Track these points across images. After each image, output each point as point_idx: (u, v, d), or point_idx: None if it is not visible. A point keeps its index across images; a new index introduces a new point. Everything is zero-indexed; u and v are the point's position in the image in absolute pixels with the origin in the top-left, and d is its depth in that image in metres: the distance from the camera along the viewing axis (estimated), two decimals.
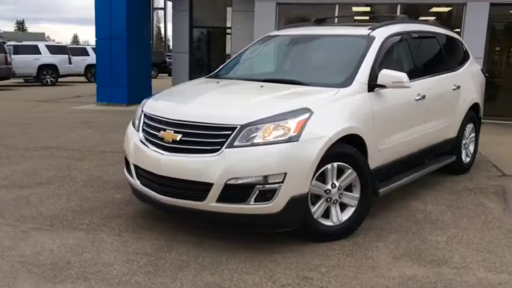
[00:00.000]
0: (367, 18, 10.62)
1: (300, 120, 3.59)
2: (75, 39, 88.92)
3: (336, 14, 11.18)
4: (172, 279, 3.20)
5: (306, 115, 3.63)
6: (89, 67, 24.75)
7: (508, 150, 7.66)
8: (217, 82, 4.73)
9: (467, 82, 5.92)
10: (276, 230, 3.72)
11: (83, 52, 25.16)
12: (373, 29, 4.72)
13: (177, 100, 4.38)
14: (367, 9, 12.00)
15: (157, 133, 3.88)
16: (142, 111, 4.25)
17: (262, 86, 4.28)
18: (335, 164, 3.77)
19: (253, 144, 3.50)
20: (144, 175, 3.97)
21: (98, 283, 3.15)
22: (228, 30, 14.27)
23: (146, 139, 4.01)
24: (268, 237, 3.85)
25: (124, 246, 3.72)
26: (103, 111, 11.84)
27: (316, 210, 3.77)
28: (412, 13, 11.01)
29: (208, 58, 15.25)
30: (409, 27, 5.23)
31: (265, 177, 3.46)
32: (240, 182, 3.47)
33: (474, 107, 6.10)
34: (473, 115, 6.12)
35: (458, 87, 5.67)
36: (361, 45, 4.51)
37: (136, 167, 4.05)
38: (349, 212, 3.93)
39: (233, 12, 13.69)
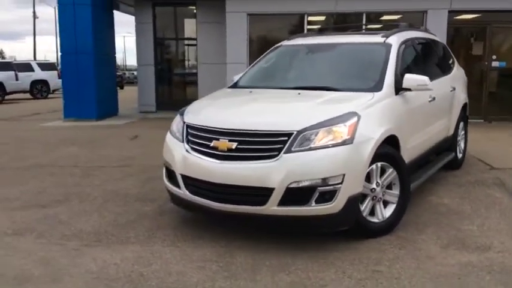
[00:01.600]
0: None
1: (351, 124, 3.81)
2: (0, 54, 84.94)
3: (305, 24, 11.55)
4: (253, 282, 3.31)
5: (355, 119, 3.85)
6: (34, 83, 23.92)
7: (484, 145, 8.24)
8: (250, 92, 4.85)
9: (458, 84, 6.39)
10: (334, 229, 3.90)
11: (28, 68, 24.20)
12: (386, 36, 5.03)
13: (222, 110, 4.48)
14: (322, 18, 12.38)
15: (208, 143, 3.96)
16: (184, 122, 4.31)
17: (299, 94, 4.47)
18: (379, 164, 4.02)
19: (310, 149, 3.68)
20: (195, 184, 4.04)
21: None
22: (193, 42, 14.32)
23: (194, 149, 4.08)
24: (315, 237, 4.02)
25: (186, 255, 3.77)
26: (75, 127, 11.55)
27: (365, 208, 3.99)
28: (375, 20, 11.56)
29: (174, 69, 15.20)
30: (413, 34, 5.60)
31: (325, 179, 3.64)
32: (301, 185, 3.63)
33: (464, 107, 6.59)
34: (463, 114, 6.61)
35: (454, 88, 6.12)
36: (381, 52, 4.80)
37: (185, 177, 4.11)
38: (391, 209, 4.19)
39: (198, 24, 13.77)
